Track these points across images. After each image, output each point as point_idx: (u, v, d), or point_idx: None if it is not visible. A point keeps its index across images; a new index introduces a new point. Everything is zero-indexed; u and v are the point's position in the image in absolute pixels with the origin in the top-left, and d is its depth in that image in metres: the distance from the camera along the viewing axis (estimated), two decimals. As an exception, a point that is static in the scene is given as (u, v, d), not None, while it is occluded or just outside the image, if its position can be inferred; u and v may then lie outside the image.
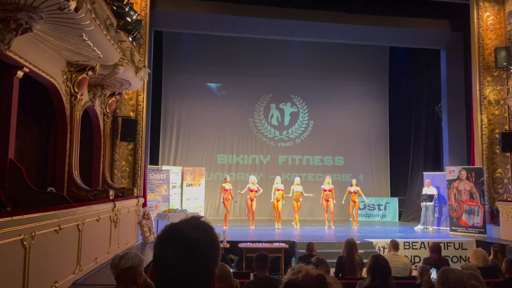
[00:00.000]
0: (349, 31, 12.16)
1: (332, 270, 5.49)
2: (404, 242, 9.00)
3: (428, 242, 8.97)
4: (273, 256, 7.84)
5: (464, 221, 10.52)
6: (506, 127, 10.45)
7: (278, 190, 11.76)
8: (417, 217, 13.27)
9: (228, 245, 8.22)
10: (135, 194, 8.52)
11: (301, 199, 11.92)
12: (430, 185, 11.81)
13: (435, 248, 6.04)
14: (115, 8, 7.02)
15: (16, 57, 5.12)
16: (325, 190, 12.12)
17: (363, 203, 13.68)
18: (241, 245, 8.35)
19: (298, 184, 12.01)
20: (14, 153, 5.65)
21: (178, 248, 1.12)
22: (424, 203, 11.70)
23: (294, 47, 14.77)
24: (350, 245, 5.53)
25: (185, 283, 1.11)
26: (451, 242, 9.28)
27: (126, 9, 7.38)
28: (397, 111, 15.20)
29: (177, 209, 11.15)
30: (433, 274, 3.98)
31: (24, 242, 3.96)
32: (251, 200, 11.68)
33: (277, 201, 11.70)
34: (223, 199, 11.63)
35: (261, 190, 11.99)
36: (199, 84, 14.43)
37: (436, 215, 11.93)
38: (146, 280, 2.81)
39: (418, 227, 11.77)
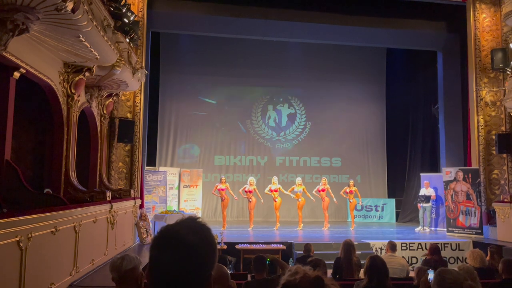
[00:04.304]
0: (346, 33, 12.17)
1: (330, 271, 5.49)
2: (401, 243, 9.01)
3: (425, 243, 9.00)
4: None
5: (461, 222, 10.55)
6: (503, 128, 10.49)
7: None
8: (414, 218, 13.27)
9: (225, 246, 8.20)
10: (132, 196, 8.50)
11: (299, 200, 11.88)
12: (428, 186, 11.82)
13: (435, 250, 6.04)
14: (112, 9, 7.01)
15: (13, 58, 5.09)
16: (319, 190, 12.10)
17: (360, 205, 13.68)
18: (238, 246, 8.33)
19: (300, 184, 11.94)
20: (11, 154, 5.63)
21: (174, 250, 1.11)
22: (421, 204, 11.71)
23: (291, 49, 14.77)
24: (348, 246, 5.53)
25: (182, 285, 1.10)
26: (448, 243, 9.30)
27: (123, 10, 7.36)
28: (394, 112, 15.21)
29: (174, 210, 11.13)
30: (430, 275, 3.98)
31: (21, 244, 3.94)
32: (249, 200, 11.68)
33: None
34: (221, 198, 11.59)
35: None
36: (196, 85, 14.41)
37: (433, 216, 11.94)
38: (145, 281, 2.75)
39: (418, 229, 11.77)
